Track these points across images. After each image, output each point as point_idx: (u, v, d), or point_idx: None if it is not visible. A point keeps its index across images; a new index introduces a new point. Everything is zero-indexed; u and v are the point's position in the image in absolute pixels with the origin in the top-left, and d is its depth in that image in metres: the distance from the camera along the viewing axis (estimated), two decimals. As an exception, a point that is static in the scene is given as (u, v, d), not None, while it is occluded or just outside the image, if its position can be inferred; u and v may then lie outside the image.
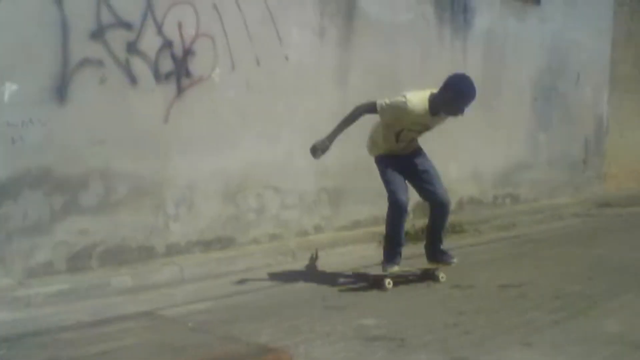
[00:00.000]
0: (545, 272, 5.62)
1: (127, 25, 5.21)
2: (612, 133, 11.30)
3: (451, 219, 7.71)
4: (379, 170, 5.46)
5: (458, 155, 8.39)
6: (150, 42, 5.35)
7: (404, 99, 5.12)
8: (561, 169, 10.17)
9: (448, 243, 6.92)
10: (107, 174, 5.16)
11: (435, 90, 5.31)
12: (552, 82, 9.97)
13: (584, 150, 10.76)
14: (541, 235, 7.61)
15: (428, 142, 7.94)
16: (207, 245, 5.71)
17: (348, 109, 6.94)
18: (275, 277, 5.35)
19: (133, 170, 5.30)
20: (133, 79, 5.27)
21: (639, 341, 3.82)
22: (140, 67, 5.31)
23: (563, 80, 10.14)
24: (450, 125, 8.17)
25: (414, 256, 6.17)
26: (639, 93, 12.18)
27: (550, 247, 6.81)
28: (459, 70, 8.25)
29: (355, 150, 7.07)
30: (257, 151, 6.12)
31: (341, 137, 6.88)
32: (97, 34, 5.03)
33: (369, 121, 7.18)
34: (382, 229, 6.91)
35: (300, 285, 5.11)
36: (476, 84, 8.52)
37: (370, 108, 5.19)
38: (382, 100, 5.14)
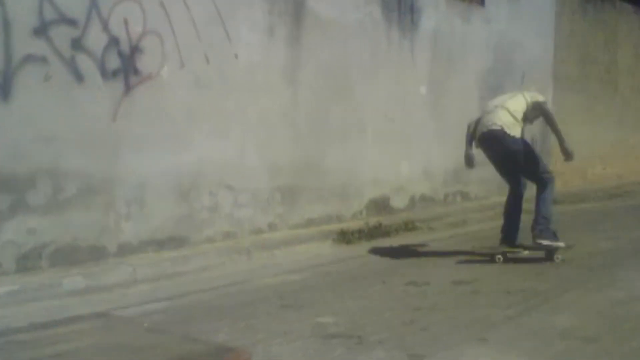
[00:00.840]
0: (497, 268, 5.71)
1: (71, 22, 5.09)
2: (558, 132, 11.54)
3: (404, 216, 7.84)
4: (531, 149, 6.16)
5: (410, 154, 8.48)
6: (96, 39, 5.24)
7: None
8: (509, 166, 10.34)
9: (400, 240, 7.06)
10: (56, 173, 5.03)
11: None
12: (498, 81, 10.13)
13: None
14: (491, 232, 7.69)
15: (382, 143, 8.05)
16: (160, 244, 5.62)
17: (299, 107, 6.98)
18: (231, 276, 5.29)
19: (82, 169, 5.18)
20: (79, 77, 5.15)
21: (590, 335, 3.89)
22: (86, 64, 5.20)
23: (508, 79, 10.32)
24: (400, 125, 8.28)
25: (368, 254, 6.23)
26: (582, 92, 12.50)
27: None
28: (407, 70, 8.39)
29: (308, 149, 7.09)
30: (209, 149, 6.06)
31: (293, 135, 6.91)
32: (40, 31, 4.91)
33: (320, 122, 7.21)
34: (335, 227, 6.98)
35: (257, 283, 5.07)
36: (424, 85, 8.70)
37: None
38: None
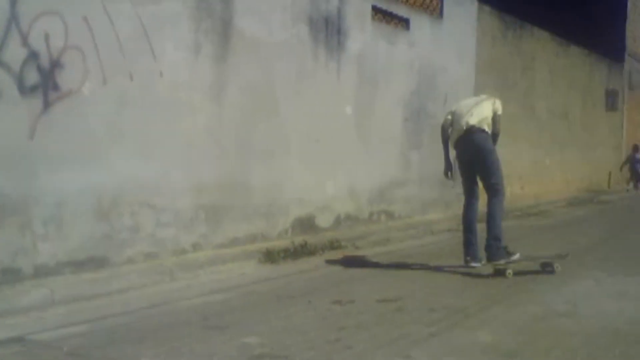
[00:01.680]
0: (420, 285, 5.79)
1: (-11, 36, 4.92)
2: (478, 152, 11.85)
3: (329, 235, 7.86)
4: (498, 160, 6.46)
5: (335, 173, 8.54)
6: (14, 53, 5.07)
7: None
8: (432, 186, 10.56)
9: (326, 259, 7.07)
10: (-32, 192, 4.81)
11: None
12: (422, 103, 10.37)
13: (453, 168, 11.20)
14: (414, 250, 7.85)
15: (308, 162, 8.07)
16: (79, 265, 5.43)
17: (225, 126, 6.93)
18: (153, 297, 5.16)
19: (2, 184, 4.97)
20: (-5, 91, 4.97)
21: (510, 350, 3.99)
22: (3, 79, 5.01)
23: (432, 101, 10.58)
24: (326, 144, 8.34)
25: (294, 273, 6.20)
26: (502, 115, 12.89)
27: (424, 262, 7.02)
28: (333, 90, 8.48)
29: (233, 168, 7.04)
30: (131, 168, 5.93)
31: (218, 153, 6.85)
32: (-44, 44, 4.72)
33: (245, 141, 7.18)
34: (261, 246, 6.93)
35: (180, 305, 4.96)
36: (349, 105, 8.80)
37: None
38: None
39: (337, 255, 7.23)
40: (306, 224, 8.02)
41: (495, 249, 6.28)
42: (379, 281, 5.99)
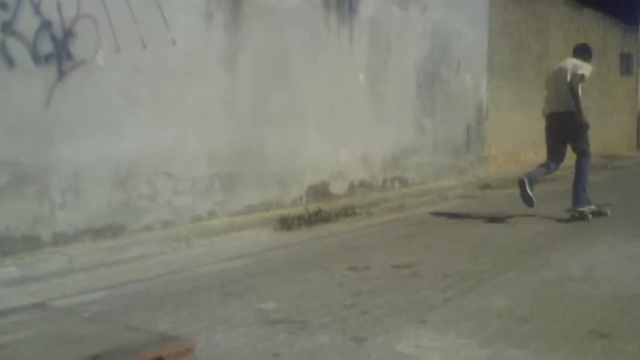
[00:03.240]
0: (435, 252, 5.82)
1: (2, 5, 4.91)
2: (492, 118, 11.83)
3: (343, 202, 7.89)
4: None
5: (349, 140, 8.53)
6: (27, 23, 5.07)
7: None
8: (445, 153, 10.55)
9: (340, 225, 7.12)
10: (-15, 161, 4.86)
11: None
12: (435, 69, 10.30)
13: (466, 134, 11.20)
14: (429, 216, 7.87)
15: (321, 129, 8.07)
16: (97, 233, 5.50)
17: (238, 93, 6.93)
18: (170, 264, 5.23)
19: (13, 157, 5.01)
20: (10, 62, 4.98)
21: (525, 315, 4.02)
22: (17, 49, 5.02)
23: (445, 67, 10.50)
24: (339, 111, 8.32)
25: (309, 240, 6.25)
26: (516, 80, 12.82)
27: (438, 228, 7.04)
28: (346, 57, 8.43)
29: (247, 136, 7.05)
30: (146, 136, 5.96)
31: (231, 121, 6.86)
32: (-32, 15, 4.73)
33: (259, 108, 7.17)
34: (276, 213, 6.97)
35: (197, 271, 5.02)
36: (362, 72, 8.76)
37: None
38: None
39: (352, 222, 7.27)
40: (320, 191, 8.04)
41: (583, 198, 7.52)
42: (394, 247, 6.03)
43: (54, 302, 4.06)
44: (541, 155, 13.82)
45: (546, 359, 3.34)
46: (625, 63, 19.88)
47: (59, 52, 5.29)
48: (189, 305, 4.10)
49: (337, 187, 8.34)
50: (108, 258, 5.11)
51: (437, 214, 8.08)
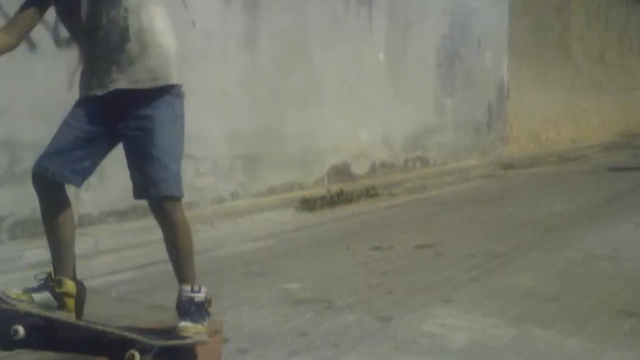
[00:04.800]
0: (458, 231, 5.80)
1: (23, -11, 4.92)
2: (513, 97, 11.72)
3: (365, 183, 7.87)
4: None
5: (369, 120, 8.49)
6: (49, 7, 5.07)
7: None
8: (467, 132, 10.47)
9: (362, 206, 7.10)
10: (11, 144, 4.89)
11: None
12: (455, 48, 10.19)
13: (487, 113, 11.10)
14: (451, 196, 7.84)
15: (341, 110, 8.04)
16: (121, 215, 5.53)
17: (257, 74, 6.91)
18: (195, 245, 5.22)
19: (38, 140, 4.97)
20: (32, 45, 4.99)
21: (551, 294, 4.01)
22: (38, 32, 5.01)
23: (465, 46, 10.39)
24: (359, 91, 8.28)
25: (331, 220, 6.25)
26: (536, 58, 12.67)
27: (461, 208, 7.02)
28: (365, 36, 8.37)
29: (267, 117, 7.04)
30: (168, 118, 5.95)
31: (252, 102, 6.84)
32: (-10, -2, 4.73)
33: (278, 89, 7.16)
34: (298, 194, 6.98)
35: (220, 252, 5.05)
36: (382, 51, 8.68)
37: None
38: None
39: (374, 202, 7.27)
40: (342, 171, 8.03)
41: None
42: (417, 227, 6.02)
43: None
44: (563, 135, 13.77)
45: (574, 337, 3.33)
46: (648, 40, 19.58)
47: (80, 35, 5.29)
48: (214, 285, 4.08)
49: (359, 168, 8.32)
50: (133, 239, 5.13)
51: (459, 193, 8.05)
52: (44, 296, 2.97)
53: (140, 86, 2.84)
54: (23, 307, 2.89)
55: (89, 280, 4.13)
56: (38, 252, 4.57)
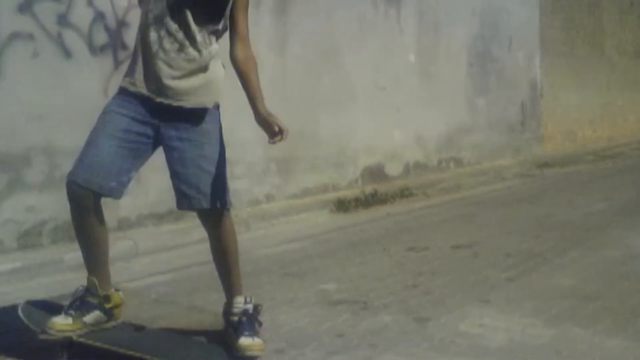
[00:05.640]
0: (494, 231, 5.76)
1: (56, -1, 5.03)
2: (547, 96, 11.60)
3: (399, 183, 7.85)
4: None
5: (402, 121, 8.47)
6: (81, 14, 5.16)
7: None
8: (500, 131, 10.39)
9: (397, 207, 7.08)
10: (50, 150, 4.98)
11: None
12: (486, 47, 10.13)
13: (521, 112, 11.01)
14: (486, 196, 7.78)
15: (374, 111, 8.04)
16: (159, 218, 5.60)
17: (289, 78, 6.93)
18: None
19: (76, 146, 5.03)
20: (67, 53, 5.08)
21: (590, 294, 3.95)
22: (73, 40, 5.12)
23: (496, 45, 10.32)
24: (391, 92, 8.27)
25: (366, 221, 6.25)
26: (569, 57, 12.52)
27: (496, 208, 6.97)
28: (395, 37, 8.35)
29: (300, 119, 7.06)
30: (203, 121, 6.02)
31: (284, 105, 6.86)
32: (25, 7, 4.81)
33: (310, 92, 7.18)
34: (332, 195, 6.99)
35: (257, 254, 5.07)
36: (412, 52, 8.65)
37: None
38: None
39: (408, 203, 7.24)
40: (375, 172, 8.02)
41: None
42: (452, 227, 5.99)
43: (121, 284, 4.16)
44: (600, 133, 13.58)
45: (614, 337, 3.29)
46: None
47: (113, 42, 5.38)
48: (251, 287, 4.13)
49: (392, 169, 8.31)
50: (171, 242, 5.20)
51: (494, 193, 7.99)
52: (95, 315, 2.99)
53: (199, 106, 2.91)
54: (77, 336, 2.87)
55: (129, 283, 4.22)
56: (78, 254, 4.64)
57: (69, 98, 5.08)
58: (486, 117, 10.12)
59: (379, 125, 8.11)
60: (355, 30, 7.73)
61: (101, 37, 5.30)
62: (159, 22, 2.83)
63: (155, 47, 2.84)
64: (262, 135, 6.59)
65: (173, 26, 2.82)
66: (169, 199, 5.69)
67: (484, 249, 5.10)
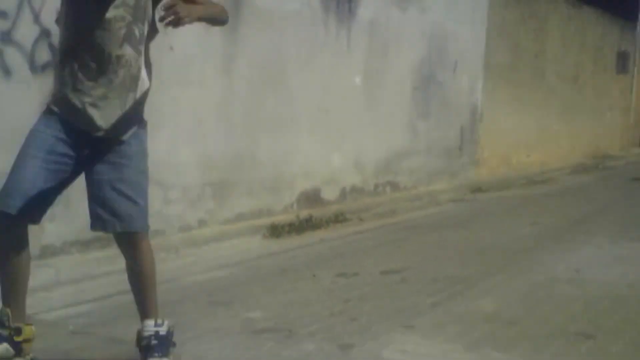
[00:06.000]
0: (424, 256, 5.83)
1: (2, 14, 4.90)
2: (486, 120, 11.82)
3: (334, 208, 7.89)
4: None
5: (342, 145, 8.49)
6: (26, 32, 5.06)
7: None
8: (438, 156, 10.53)
9: (331, 232, 7.11)
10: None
11: None
12: (431, 71, 10.25)
13: (459, 137, 11.19)
14: (420, 221, 7.88)
15: (315, 134, 8.06)
16: (85, 245, 5.47)
17: (233, 99, 6.90)
18: (159, 274, 5.09)
19: (6, 168, 4.99)
20: (7, 71, 4.96)
21: (511, 318, 4.04)
22: (15, 58, 5.01)
23: (441, 69, 10.46)
24: (334, 115, 8.31)
25: (298, 247, 6.26)
26: (512, 81, 12.82)
27: (428, 232, 7.06)
28: (343, 60, 8.40)
29: (241, 142, 7.03)
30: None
31: (226, 128, 6.82)
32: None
33: (254, 114, 7.17)
34: (266, 221, 6.96)
35: (185, 281, 5.02)
36: (358, 75, 8.73)
37: None
38: None
39: (342, 228, 7.27)
40: (312, 197, 8.03)
41: None
42: (384, 253, 6.04)
43: (40, 315, 4.03)
44: (534, 157, 13.91)
45: (531, 362, 3.36)
46: (622, 61, 19.86)
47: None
48: (176, 316, 4.06)
49: (329, 193, 8.33)
50: (96, 270, 5.08)
51: (428, 218, 8.10)
52: (1, 348, 2.91)
53: (122, 134, 2.86)
54: None
55: (48, 313, 4.12)
56: None
57: (5, 118, 4.89)
58: (425, 141, 10.25)
59: (319, 149, 8.13)
60: (304, 52, 7.72)
61: (44, 56, 5.16)
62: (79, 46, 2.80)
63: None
64: (200, 158, 6.57)
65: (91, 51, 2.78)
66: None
67: (413, 274, 5.15)
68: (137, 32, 2.86)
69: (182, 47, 6.24)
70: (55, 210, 5.25)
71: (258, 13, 7.05)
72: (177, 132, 6.27)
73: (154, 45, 3.39)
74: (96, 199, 2.88)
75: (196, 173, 6.51)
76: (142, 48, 2.91)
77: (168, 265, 5.47)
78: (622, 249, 5.98)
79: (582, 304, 4.29)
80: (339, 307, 4.29)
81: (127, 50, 2.84)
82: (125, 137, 2.87)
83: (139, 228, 2.95)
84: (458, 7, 10.73)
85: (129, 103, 2.85)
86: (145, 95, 2.95)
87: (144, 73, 2.93)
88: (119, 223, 2.88)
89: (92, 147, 2.84)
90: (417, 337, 3.74)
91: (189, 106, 6.37)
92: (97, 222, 2.91)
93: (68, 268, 4.98)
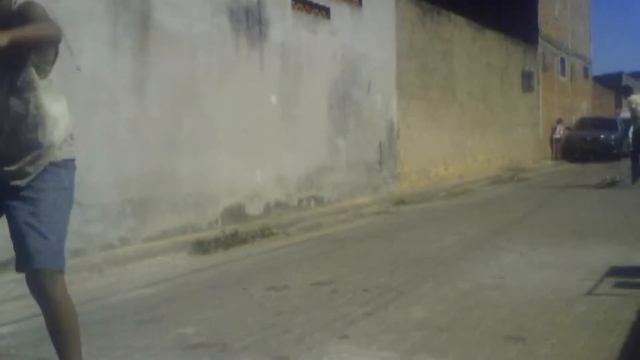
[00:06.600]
0: (353, 268, 5.86)
1: None
2: (403, 136, 12.10)
3: (259, 223, 7.84)
4: None
5: (263, 162, 8.52)
6: None
7: None
8: (359, 171, 10.69)
9: (257, 246, 7.05)
10: None
11: None
12: (346, 91, 10.46)
13: (379, 152, 11.40)
14: (345, 233, 7.93)
15: (235, 152, 8.01)
16: (3, 266, 5.23)
17: (147, 120, 6.80)
18: (82, 294, 4.98)
19: None
20: None
21: (444, 324, 4.09)
22: None
23: (355, 89, 10.68)
24: (253, 134, 8.29)
25: (226, 262, 6.17)
26: (424, 99, 13.19)
27: (355, 244, 7.11)
28: (257, 80, 8.43)
29: (159, 161, 6.91)
30: (53, 164, 5.73)
31: (142, 147, 6.71)
32: None
33: (170, 134, 7.07)
34: (191, 237, 6.85)
35: (111, 300, 4.86)
36: (274, 94, 8.76)
37: None
38: None
39: (269, 242, 7.24)
40: (236, 212, 7.98)
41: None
42: (312, 266, 6.03)
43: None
44: (452, 171, 14.30)
45: (465, 365, 3.40)
46: (527, 80, 20.82)
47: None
48: (103, 335, 3.95)
49: (253, 208, 8.30)
50: (16, 291, 4.83)
51: (353, 230, 8.16)
52: None
53: (32, 174, 2.77)
54: None
55: (-34, 337, 3.90)
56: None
57: None
58: (346, 157, 10.39)
59: (239, 166, 8.10)
60: (217, 73, 7.73)
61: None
62: None
63: None
64: (118, 177, 6.43)
65: None
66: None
67: (343, 285, 5.16)
68: (16, 81, 2.78)
69: (90, 68, 6.10)
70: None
71: (166, 36, 7.01)
72: (91, 152, 6.10)
73: (58, 65, 3.27)
74: (13, 236, 2.72)
75: (114, 192, 6.37)
76: (31, 92, 2.82)
77: (91, 285, 5.31)
78: (542, 254, 6.18)
79: (509, 309, 4.39)
80: (272, 320, 4.24)
81: (13, 102, 2.75)
82: (35, 172, 2.74)
83: (45, 264, 2.66)
84: (367, 31, 11.02)
85: (28, 143, 2.75)
86: (49, 132, 2.82)
87: (45, 112, 2.84)
88: (27, 259, 2.66)
89: (8, 188, 2.72)
90: (352, 347, 3.73)
91: (100, 126, 6.24)
92: (17, 260, 2.74)
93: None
